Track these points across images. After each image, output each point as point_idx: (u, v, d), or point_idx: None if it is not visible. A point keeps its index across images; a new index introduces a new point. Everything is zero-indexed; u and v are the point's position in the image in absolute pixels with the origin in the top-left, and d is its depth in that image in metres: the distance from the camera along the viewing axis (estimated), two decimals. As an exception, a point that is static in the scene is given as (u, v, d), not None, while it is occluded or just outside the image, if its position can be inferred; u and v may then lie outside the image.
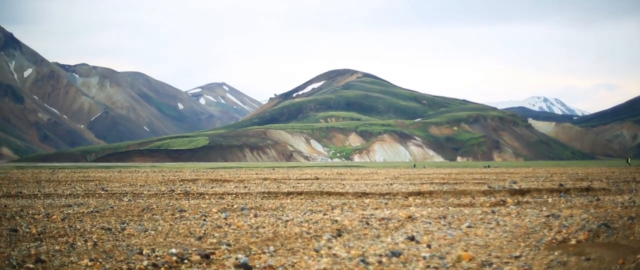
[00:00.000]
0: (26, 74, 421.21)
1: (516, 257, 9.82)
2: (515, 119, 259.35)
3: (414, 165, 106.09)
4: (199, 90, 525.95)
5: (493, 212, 16.19)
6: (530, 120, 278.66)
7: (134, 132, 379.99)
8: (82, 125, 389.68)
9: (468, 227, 13.23)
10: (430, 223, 13.99)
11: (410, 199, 21.07)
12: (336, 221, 14.29)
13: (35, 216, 15.19)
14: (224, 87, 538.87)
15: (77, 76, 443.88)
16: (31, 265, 9.18)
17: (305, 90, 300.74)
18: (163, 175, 43.50)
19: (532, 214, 15.31)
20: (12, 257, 9.68)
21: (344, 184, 29.47)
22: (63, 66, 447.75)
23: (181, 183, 31.62)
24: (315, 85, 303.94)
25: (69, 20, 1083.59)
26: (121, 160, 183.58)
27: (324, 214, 15.87)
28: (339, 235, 12.21)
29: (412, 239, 11.52)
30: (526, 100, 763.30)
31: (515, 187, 25.23)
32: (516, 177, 37.68)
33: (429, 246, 10.81)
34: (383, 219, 14.67)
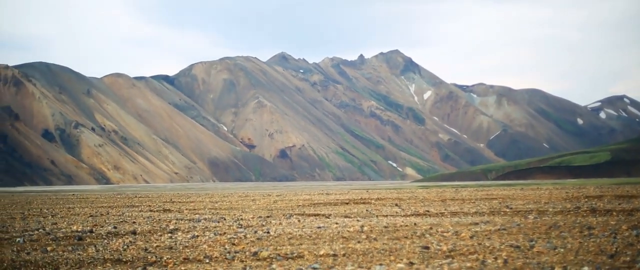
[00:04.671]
0: (426, 96, 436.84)
1: None
2: None
3: None
4: (599, 104, 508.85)
5: None
6: None
7: (533, 149, 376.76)
8: (481, 144, 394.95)
9: None
10: None
11: None
12: None
13: (444, 234, 15.50)
14: (625, 99, 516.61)
15: (475, 96, 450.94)
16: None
17: None
18: (566, 192, 42.54)
19: None
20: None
21: None
22: (460, 86, 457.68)
23: (586, 200, 30.65)
24: None
25: (466, 41, 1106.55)
26: (521, 177, 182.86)
27: None
28: None
29: None
30: None
31: None
32: None
33: None
34: None
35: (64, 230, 18.27)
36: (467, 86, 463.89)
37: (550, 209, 23.76)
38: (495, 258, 11.35)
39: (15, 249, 14.29)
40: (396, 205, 28.90)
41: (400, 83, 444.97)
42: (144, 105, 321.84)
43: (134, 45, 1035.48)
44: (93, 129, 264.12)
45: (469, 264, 10.74)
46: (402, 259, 11.59)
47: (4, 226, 19.96)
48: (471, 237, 14.71)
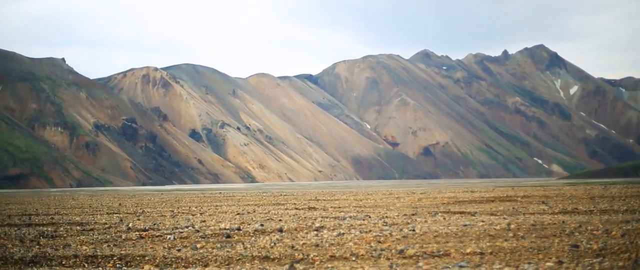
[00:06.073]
0: (572, 91, 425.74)
1: None
2: None
3: None
4: None
5: None
6: None
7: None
8: (630, 140, 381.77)
9: None
10: None
11: None
12: None
13: (594, 232, 15.07)
14: None
15: (623, 90, 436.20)
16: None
17: None
18: None
19: None
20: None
21: None
22: (608, 81, 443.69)
23: None
24: None
25: (613, 34, 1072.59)
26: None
27: None
28: None
29: None
30: None
31: None
32: None
33: None
34: None
35: (212, 227, 18.74)
36: (615, 80, 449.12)
37: None
38: (651, 257, 10.97)
39: (166, 245, 14.76)
40: (543, 202, 28.30)
41: (545, 78, 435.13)
42: (288, 105, 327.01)
43: (278, 45, 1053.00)
44: (238, 129, 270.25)
45: (620, 263, 10.42)
46: (550, 258, 11.34)
47: (155, 224, 20.65)
48: (622, 236, 14.25)
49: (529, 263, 10.84)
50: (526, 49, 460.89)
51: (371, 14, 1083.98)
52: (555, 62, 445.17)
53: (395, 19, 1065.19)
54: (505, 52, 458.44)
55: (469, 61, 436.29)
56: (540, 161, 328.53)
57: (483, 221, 18.53)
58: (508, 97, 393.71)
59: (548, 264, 10.69)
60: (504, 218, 19.73)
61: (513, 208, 24.66)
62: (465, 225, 17.21)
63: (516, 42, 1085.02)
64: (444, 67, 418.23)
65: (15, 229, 20.10)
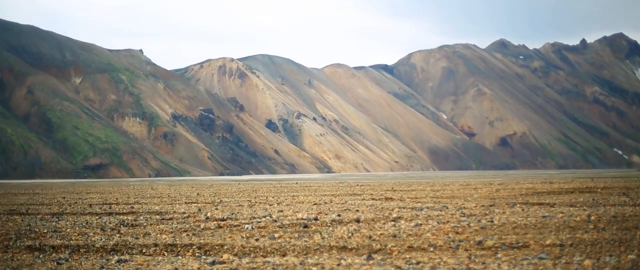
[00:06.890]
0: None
1: None
2: None
3: None
4: None
5: None
6: None
7: None
8: None
9: None
10: None
11: None
12: None
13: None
14: None
15: None
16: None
17: None
18: None
19: None
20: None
21: None
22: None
23: None
24: None
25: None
26: None
27: None
28: None
29: None
30: None
31: None
32: None
33: None
34: None
35: (289, 217, 18.80)
36: None
37: None
38: None
39: (244, 235, 14.86)
40: (624, 194, 27.71)
41: (624, 67, 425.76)
42: (363, 95, 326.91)
43: (353, 35, 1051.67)
44: (314, 119, 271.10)
45: None
46: (633, 250, 11.10)
47: (233, 213, 20.81)
48: None
49: (611, 255, 10.63)
50: (605, 37, 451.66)
51: (446, 3, 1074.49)
52: (635, 51, 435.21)
53: (470, 8, 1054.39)
54: (583, 41, 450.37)
55: (546, 50, 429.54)
56: (620, 152, 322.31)
57: (562, 212, 18.22)
58: (586, 86, 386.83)
59: (630, 256, 10.46)
60: (584, 209, 19.37)
61: (593, 199, 24.20)
62: (544, 217, 16.95)
63: (594, 31, 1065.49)
64: (521, 57, 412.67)
65: (97, 217, 20.49)
